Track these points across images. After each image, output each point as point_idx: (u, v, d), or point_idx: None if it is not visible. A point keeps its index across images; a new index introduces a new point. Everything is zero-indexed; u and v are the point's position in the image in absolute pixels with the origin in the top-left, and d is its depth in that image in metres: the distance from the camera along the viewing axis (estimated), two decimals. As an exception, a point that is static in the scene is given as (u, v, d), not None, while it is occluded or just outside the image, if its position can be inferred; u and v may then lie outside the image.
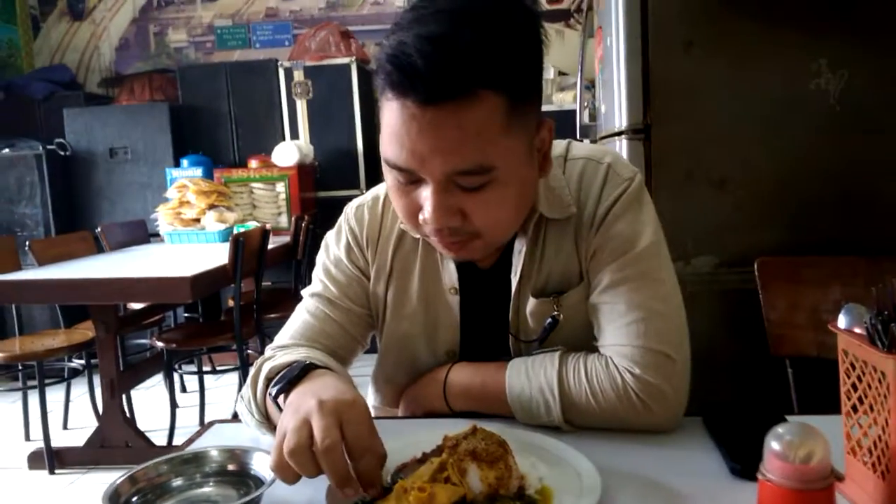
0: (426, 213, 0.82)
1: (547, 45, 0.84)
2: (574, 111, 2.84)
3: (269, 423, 0.91)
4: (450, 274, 1.00)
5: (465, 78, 0.75)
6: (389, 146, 0.81)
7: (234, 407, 3.56)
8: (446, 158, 0.78)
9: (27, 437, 3.42)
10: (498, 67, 0.77)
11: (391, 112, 0.79)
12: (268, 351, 0.99)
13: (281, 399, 0.82)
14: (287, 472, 0.70)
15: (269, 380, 0.90)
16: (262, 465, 0.77)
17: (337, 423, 0.69)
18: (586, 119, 2.81)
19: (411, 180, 0.82)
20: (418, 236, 1.01)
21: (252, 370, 0.95)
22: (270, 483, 0.72)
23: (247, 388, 0.94)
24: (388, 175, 0.85)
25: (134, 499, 0.73)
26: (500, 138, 0.79)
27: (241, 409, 0.96)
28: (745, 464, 0.77)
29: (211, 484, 0.78)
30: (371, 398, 1.13)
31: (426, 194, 0.82)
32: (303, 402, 0.73)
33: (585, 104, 2.78)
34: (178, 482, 0.77)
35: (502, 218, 0.87)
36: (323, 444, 0.68)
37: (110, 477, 0.73)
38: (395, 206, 0.89)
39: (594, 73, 2.35)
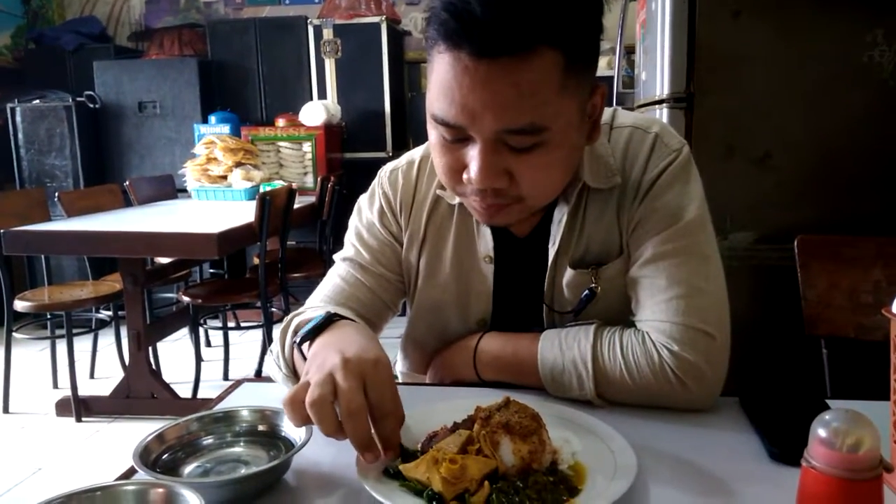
0: (472, 172, 0.79)
1: (609, 3, 0.80)
2: (610, 77, 2.77)
3: (295, 378, 0.91)
4: (485, 242, 0.98)
5: (526, 32, 0.72)
6: (437, 101, 0.78)
7: (257, 363, 3.61)
8: (498, 116, 0.75)
9: (55, 385, 3.50)
10: (560, 23, 0.73)
11: (442, 65, 0.76)
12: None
13: (305, 347, 0.82)
14: (297, 415, 0.70)
15: (296, 332, 0.90)
16: (292, 427, 0.76)
17: (361, 386, 0.69)
18: (621, 87, 2.74)
19: (458, 138, 0.79)
20: (454, 202, 0.99)
21: (282, 325, 0.94)
22: (301, 446, 0.71)
23: (276, 343, 0.94)
24: (433, 131, 0.82)
25: (164, 456, 0.73)
26: (555, 98, 0.76)
27: (270, 363, 0.96)
28: (784, 448, 0.75)
29: (241, 444, 0.77)
30: (400, 364, 1.12)
31: (473, 153, 0.79)
32: (327, 356, 0.73)
33: (622, 71, 2.71)
34: (208, 441, 0.77)
35: (548, 182, 0.84)
36: (348, 409, 0.68)
37: (136, 426, 0.73)
38: (436, 164, 0.86)
39: (633, 38, 2.29)
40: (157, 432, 0.74)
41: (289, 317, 0.96)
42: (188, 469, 0.73)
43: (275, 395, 0.97)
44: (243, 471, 0.72)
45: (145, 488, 0.61)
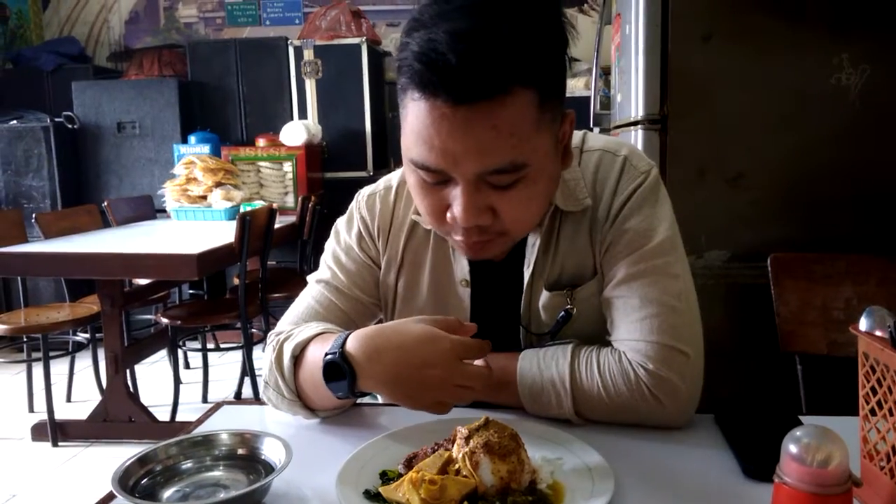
0: (456, 212, 0.80)
1: (573, 36, 0.82)
2: (585, 98, 2.81)
3: (301, 402, 0.91)
4: (461, 266, 0.99)
5: (500, 74, 0.73)
6: (416, 146, 0.79)
7: (237, 385, 3.57)
8: (480, 158, 0.76)
9: (31, 409, 3.44)
10: (531, 63, 0.75)
11: (418, 112, 0.77)
12: (272, 336, 0.98)
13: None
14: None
15: (295, 357, 0.90)
16: (272, 450, 0.76)
17: (453, 370, 0.80)
18: (598, 108, 2.78)
19: (439, 180, 0.81)
20: (430, 227, 1.00)
21: (270, 354, 0.94)
22: (280, 470, 0.71)
23: (271, 372, 0.93)
24: (412, 175, 0.83)
25: (143, 481, 0.72)
26: (532, 135, 0.78)
27: (269, 395, 0.95)
28: (758, 464, 0.76)
29: (221, 468, 0.77)
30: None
31: (455, 193, 0.80)
32: (399, 371, 0.82)
33: (599, 92, 2.75)
34: (187, 465, 0.77)
35: (530, 214, 0.86)
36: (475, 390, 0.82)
37: (113, 451, 0.73)
38: (419, 206, 0.87)
39: (609, 60, 2.33)
40: (135, 457, 0.73)
41: (274, 343, 0.95)
42: (167, 493, 0.73)
43: (255, 417, 0.98)
44: (222, 495, 0.72)
45: (124, 514, 0.61)
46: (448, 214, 0.82)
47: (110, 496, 0.71)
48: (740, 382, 1.69)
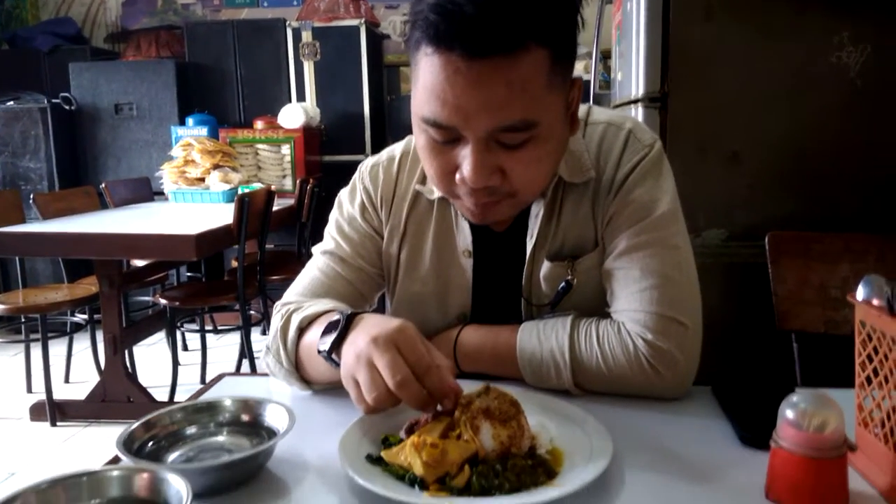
0: (465, 172, 0.80)
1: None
2: (587, 81, 2.80)
3: (298, 374, 0.93)
4: (464, 236, 1.00)
5: (517, 29, 0.73)
6: (428, 103, 0.78)
7: (234, 366, 3.59)
8: (492, 114, 0.76)
9: (29, 390, 3.45)
10: (546, 20, 0.75)
11: (431, 67, 0.76)
12: (280, 305, 0.99)
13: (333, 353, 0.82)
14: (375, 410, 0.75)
15: (300, 329, 0.91)
16: (275, 417, 0.77)
17: (397, 356, 0.72)
18: (597, 89, 2.78)
19: (449, 139, 0.80)
20: (433, 197, 1.00)
21: (277, 322, 0.95)
22: (284, 434, 0.72)
23: (274, 339, 0.94)
24: (422, 134, 0.83)
25: (148, 445, 0.73)
26: (544, 94, 0.78)
27: (269, 361, 0.96)
28: (754, 432, 0.77)
29: (224, 433, 0.78)
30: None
31: (465, 153, 0.80)
32: (361, 349, 0.74)
33: (599, 76, 2.75)
34: (191, 430, 0.77)
35: (539, 176, 0.86)
36: (395, 381, 0.71)
37: (112, 431, 0.73)
38: (427, 167, 0.87)
39: (609, 43, 2.32)
40: (140, 421, 0.74)
41: (282, 312, 0.96)
42: (171, 457, 0.74)
43: (257, 388, 0.98)
44: (226, 458, 0.72)
45: (130, 474, 0.62)
46: (457, 176, 0.82)
47: (115, 459, 0.72)
48: (737, 361, 1.70)
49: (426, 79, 0.78)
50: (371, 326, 0.77)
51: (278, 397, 0.91)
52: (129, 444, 0.71)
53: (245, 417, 0.79)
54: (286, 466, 0.74)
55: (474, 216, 0.89)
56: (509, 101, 0.75)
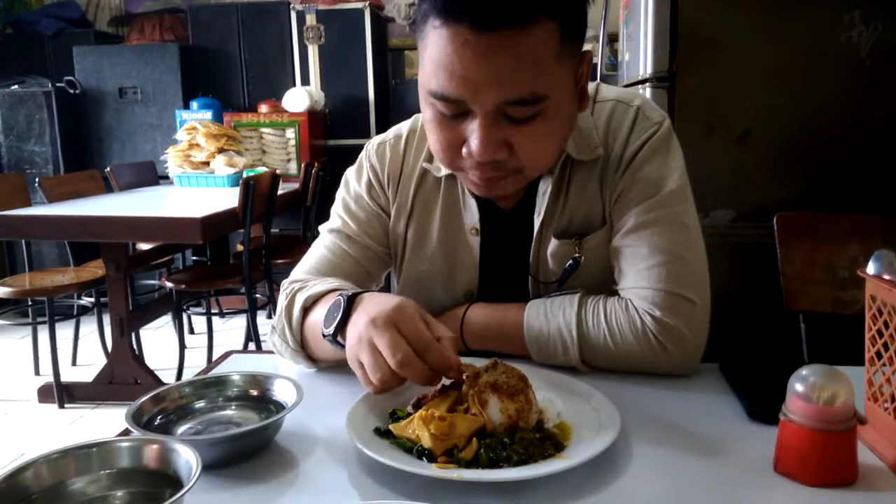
0: (472, 145, 0.80)
1: None
2: (594, 65, 2.79)
3: (304, 352, 0.93)
4: (471, 214, 0.99)
5: (527, 2, 0.73)
6: (435, 76, 0.78)
7: (241, 349, 3.60)
8: (500, 88, 0.76)
9: (37, 372, 3.47)
10: None
11: (439, 39, 0.76)
12: (286, 284, 0.99)
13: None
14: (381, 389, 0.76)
15: (305, 309, 0.91)
16: (283, 391, 0.77)
17: (396, 335, 0.72)
18: (604, 71, 2.76)
19: (457, 112, 0.80)
20: (440, 175, 1.00)
21: (283, 301, 0.95)
22: (293, 406, 0.72)
23: (279, 319, 0.94)
24: (429, 108, 0.83)
25: (157, 418, 0.73)
26: (553, 67, 0.77)
27: (275, 340, 0.96)
28: (762, 407, 0.77)
29: (233, 407, 0.78)
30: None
31: (472, 127, 0.79)
32: (361, 331, 0.75)
33: (606, 60, 2.73)
34: (200, 404, 0.78)
35: (546, 151, 0.85)
36: (396, 361, 0.71)
37: (119, 412, 0.74)
38: (432, 141, 0.86)
39: (616, 27, 2.30)
40: (149, 395, 0.74)
41: (288, 292, 0.96)
42: (180, 430, 0.74)
43: (264, 364, 0.99)
44: (235, 431, 0.73)
45: (140, 444, 0.62)
46: (464, 150, 0.82)
47: (125, 432, 0.72)
48: (745, 341, 1.70)
49: (434, 52, 0.77)
50: (371, 306, 0.77)
51: (285, 374, 0.91)
52: (139, 418, 0.71)
53: (253, 392, 0.79)
54: (294, 439, 0.75)
55: (479, 189, 0.89)
56: (518, 74, 0.75)
